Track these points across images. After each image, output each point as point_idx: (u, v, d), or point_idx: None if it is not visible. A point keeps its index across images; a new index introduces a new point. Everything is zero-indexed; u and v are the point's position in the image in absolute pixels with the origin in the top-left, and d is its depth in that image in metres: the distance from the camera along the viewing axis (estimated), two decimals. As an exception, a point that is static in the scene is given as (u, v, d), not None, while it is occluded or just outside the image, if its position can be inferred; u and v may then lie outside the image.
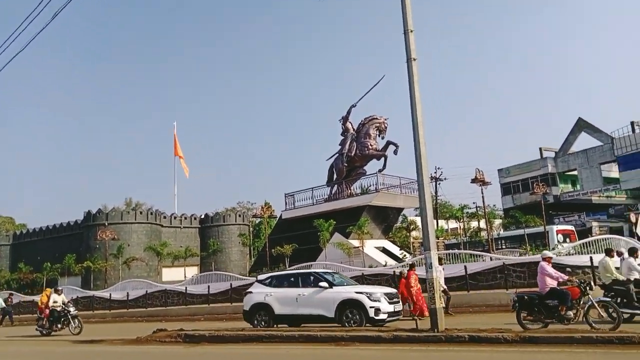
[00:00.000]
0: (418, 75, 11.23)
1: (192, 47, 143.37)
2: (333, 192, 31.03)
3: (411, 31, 11.41)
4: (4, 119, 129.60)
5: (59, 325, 16.57)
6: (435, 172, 50.35)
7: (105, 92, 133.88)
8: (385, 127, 29.63)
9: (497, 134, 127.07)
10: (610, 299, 10.31)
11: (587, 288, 10.25)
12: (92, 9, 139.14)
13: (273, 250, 28.80)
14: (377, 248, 28.49)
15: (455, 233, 53.93)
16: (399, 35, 11.51)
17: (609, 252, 11.76)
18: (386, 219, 31.01)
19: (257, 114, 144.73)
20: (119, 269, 45.38)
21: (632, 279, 10.95)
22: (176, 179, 67.80)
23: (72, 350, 12.98)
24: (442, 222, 53.91)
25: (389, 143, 29.48)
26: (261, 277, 14.61)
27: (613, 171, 53.58)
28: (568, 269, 16.92)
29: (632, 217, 25.99)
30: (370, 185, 29.82)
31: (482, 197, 31.62)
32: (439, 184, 51.41)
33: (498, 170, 61.16)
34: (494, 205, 63.44)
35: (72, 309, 16.59)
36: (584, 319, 9.84)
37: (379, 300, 12.20)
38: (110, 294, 31.15)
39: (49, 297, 17.10)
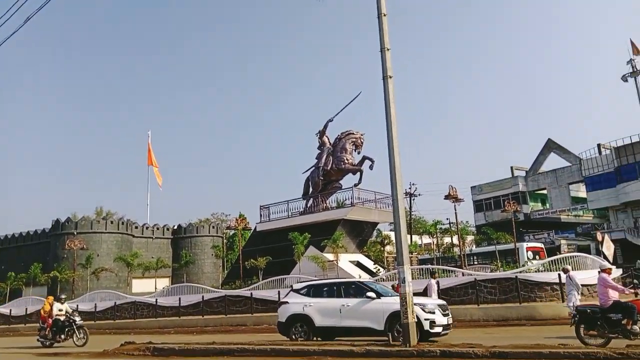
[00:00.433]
0: (394, 93, 11.43)
1: (164, 55, 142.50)
2: (308, 205, 31.04)
3: (387, 49, 11.62)
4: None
5: (63, 336, 15.77)
6: (409, 188, 51.05)
7: (76, 98, 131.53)
8: (362, 142, 29.93)
9: (470, 152, 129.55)
10: None
11: None
12: (61, 12, 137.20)
13: (247, 262, 28.54)
14: (352, 262, 28.53)
15: (429, 248, 54.55)
16: (376, 53, 11.73)
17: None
18: (361, 233, 31.13)
19: (233, 125, 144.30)
20: (88, 279, 44.19)
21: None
22: (149, 188, 66.81)
23: (35, 363, 12.58)
24: (415, 238, 54.50)
25: (364, 158, 29.75)
26: (297, 286, 13.74)
27: (581, 191, 55.19)
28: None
29: (599, 236, 26.68)
30: (345, 199, 29.98)
31: (455, 213, 32.13)
32: (414, 199, 52.11)
33: (471, 187, 62.32)
34: (467, 221, 64.38)
35: (77, 319, 15.81)
36: None
37: (433, 312, 11.57)
38: (77, 305, 30.23)
39: (51, 306, 16.38)
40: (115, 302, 28.70)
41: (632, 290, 10.69)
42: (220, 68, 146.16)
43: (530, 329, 14.70)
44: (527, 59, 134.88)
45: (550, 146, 57.13)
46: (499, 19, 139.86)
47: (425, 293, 16.46)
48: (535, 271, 18.64)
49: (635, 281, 16.30)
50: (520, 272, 18.89)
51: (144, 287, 46.62)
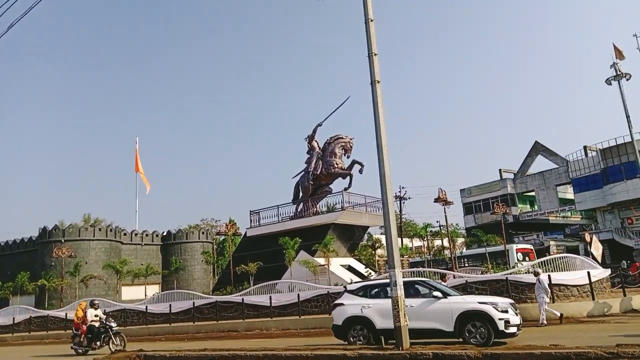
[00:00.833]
0: (382, 97, 11.47)
1: (152, 62, 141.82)
2: (299, 209, 31.00)
3: (375, 54, 11.65)
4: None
5: (99, 343, 15.15)
6: (399, 191, 51.18)
7: (63, 104, 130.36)
8: (351, 147, 30.01)
9: (459, 155, 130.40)
10: None
11: None
12: (51, 17, 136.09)
13: (237, 268, 28.42)
14: (343, 266, 28.51)
15: (420, 251, 54.72)
16: (364, 57, 11.76)
17: None
18: (352, 237, 31.14)
19: (222, 131, 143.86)
20: (76, 287, 43.70)
21: None
22: (138, 195, 66.38)
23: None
24: (406, 241, 54.61)
25: (354, 162, 29.81)
26: (351, 286, 13.11)
27: (568, 192, 55.78)
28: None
29: (587, 237, 26.96)
30: (336, 204, 29.99)
31: (445, 216, 32.41)
32: (404, 202, 52.19)
33: (460, 190, 62.73)
34: (457, 224, 64.96)
35: (113, 324, 15.29)
36: None
37: (507, 311, 10.88)
38: (66, 314, 29.89)
39: (85, 312, 15.78)
40: (104, 310, 28.31)
41: None
42: (209, 76, 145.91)
43: (522, 329, 14.74)
44: (514, 62, 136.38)
45: (538, 148, 57.72)
46: (488, 22, 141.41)
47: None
48: (525, 272, 18.74)
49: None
50: (511, 273, 18.99)
51: (134, 294, 46.19)
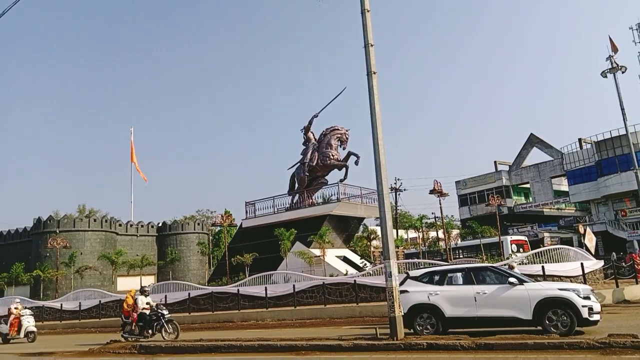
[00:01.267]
0: (378, 88, 11.46)
1: (149, 51, 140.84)
2: (294, 201, 31.00)
3: (371, 45, 11.64)
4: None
5: (150, 331, 14.49)
6: (395, 183, 51.29)
7: (57, 94, 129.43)
8: (347, 138, 29.95)
9: (454, 147, 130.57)
10: None
11: None
12: (43, 7, 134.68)
13: (233, 259, 28.44)
14: (338, 257, 28.60)
15: (415, 243, 54.95)
16: (361, 49, 11.74)
17: None
18: (347, 229, 31.21)
19: (218, 122, 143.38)
20: (71, 278, 43.67)
21: None
22: (133, 186, 66.16)
23: (19, 363, 12.40)
24: (401, 232, 54.83)
25: (350, 153, 29.78)
26: (414, 273, 12.29)
27: (563, 185, 56.07)
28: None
29: (581, 229, 27.10)
30: (331, 195, 29.96)
31: (440, 208, 32.46)
32: (399, 194, 52.34)
33: (455, 182, 62.91)
34: (452, 215, 65.24)
35: (165, 312, 14.57)
36: None
37: (589, 298, 10.23)
38: (61, 304, 29.93)
39: (135, 299, 15.18)
40: (100, 301, 28.38)
41: None
42: (205, 67, 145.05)
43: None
44: (511, 54, 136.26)
45: (533, 141, 57.90)
46: (483, 14, 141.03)
47: None
48: (519, 264, 18.87)
49: None
50: (505, 264, 19.11)
51: (129, 284, 45.99)
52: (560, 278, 17.66)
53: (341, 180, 29.53)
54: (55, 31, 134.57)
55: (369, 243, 36.82)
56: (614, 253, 31.31)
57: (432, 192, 32.05)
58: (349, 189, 29.77)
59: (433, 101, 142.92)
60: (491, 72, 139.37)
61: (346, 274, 24.16)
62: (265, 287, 22.85)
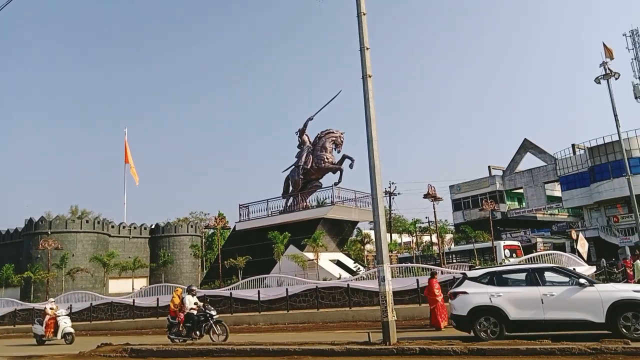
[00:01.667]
0: (373, 92, 11.47)
1: (144, 53, 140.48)
2: (288, 204, 30.93)
3: (367, 49, 11.65)
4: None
5: (198, 332, 13.91)
6: (389, 187, 51.29)
7: (51, 96, 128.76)
8: (342, 141, 29.95)
9: (448, 152, 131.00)
10: None
11: None
12: (38, 10, 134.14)
13: (226, 262, 28.31)
14: (332, 261, 28.53)
15: (408, 247, 54.98)
16: (356, 52, 11.74)
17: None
18: (341, 232, 31.16)
19: (212, 124, 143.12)
20: (62, 280, 43.29)
21: None
22: (126, 187, 65.81)
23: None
24: (395, 236, 54.85)
25: (344, 157, 29.78)
26: (472, 273, 11.81)
27: (556, 190, 56.35)
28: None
29: (573, 234, 27.26)
30: (326, 198, 29.95)
31: (434, 212, 32.41)
32: (393, 198, 52.31)
33: (449, 186, 63.05)
34: (446, 220, 65.26)
35: (213, 312, 13.99)
36: None
37: None
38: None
39: (182, 299, 14.56)
40: (91, 303, 28.16)
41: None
42: (200, 69, 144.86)
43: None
44: (505, 60, 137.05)
45: (527, 146, 58.18)
46: (479, 21, 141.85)
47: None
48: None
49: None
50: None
51: (121, 287, 45.91)
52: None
53: (336, 184, 29.53)
54: (50, 32, 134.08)
55: (362, 247, 36.78)
56: (603, 259, 31.43)
57: (426, 196, 32.04)
58: (343, 193, 29.78)
59: (428, 106, 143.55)
60: (486, 77, 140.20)
61: (339, 278, 24.10)
62: (258, 291, 22.75)
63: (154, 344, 12.97)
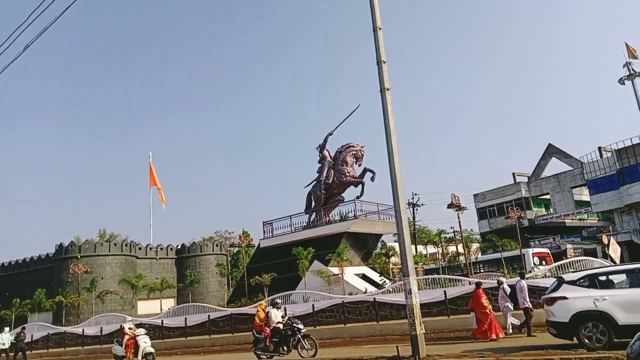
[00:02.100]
0: (392, 104, 11.50)
1: (166, 76, 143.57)
2: (311, 219, 30.97)
3: (384, 62, 11.73)
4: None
5: (286, 348, 13.35)
6: (412, 198, 50.91)
7: (76, 120, 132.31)
8: (362, 155, 29.99)
9: (471, 160, 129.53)
10: None
11: None
12: (60, 30, 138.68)
13: (251, 279, 28.40)
14: (357, 275, 28.36)
15: (434, 258, 54.16)
16: (373, 65, 11.81)
17: None
18: (365, 246, 31.00)
19: (234, 143, 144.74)
20: (93, 302, 44.00)
21: None
22: (152, 209, 66.91)
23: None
24: (420, 248, 54.17)
25: (365, 170, 29.76)
26: (570, 277, 11.04)
27: (584, 194, 54.99)
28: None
29: (604, 239, 26.49)
30: (348, 212, 29.90)
31: (459, 222, 31.94)
32: (417, 209, 51.88)
33: (473, 195, 62.19)
34: (471, 229, 64.15)
35: (300, 326, 13.30)
36: None
37: None
38: (83, 330, 30.09)
39: (266, 313, 14.18)
40: (121, 325, 28.45)
41: None
42: (219, 84, 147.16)
43: (541, 335, 14.50)
44: (527, 65, 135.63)
45: (551, 151, 57.14)
46: (498, 25, 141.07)
47: (514, 296, 15.17)
48: (543, 277, 18.46)
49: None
50: (528, 278, 18.72)
51: (150, 308, 46.36)
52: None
53: (358, 197, 29.47)
54: (71, 53, 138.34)
55: (387, 260, 36.41)
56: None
57: (450, 206, 31.68)
58: (365, 206, 29.69)
59: (449, 114, 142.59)
60: (507, 82, 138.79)
61: (365, 292, 23.91)
62: (285, 308, 22.71)
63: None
